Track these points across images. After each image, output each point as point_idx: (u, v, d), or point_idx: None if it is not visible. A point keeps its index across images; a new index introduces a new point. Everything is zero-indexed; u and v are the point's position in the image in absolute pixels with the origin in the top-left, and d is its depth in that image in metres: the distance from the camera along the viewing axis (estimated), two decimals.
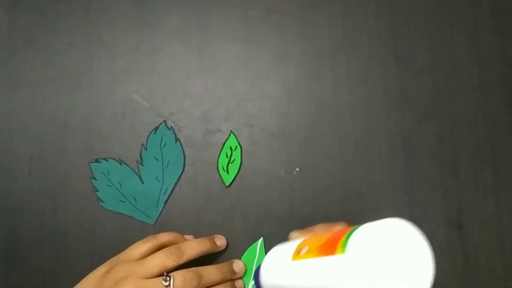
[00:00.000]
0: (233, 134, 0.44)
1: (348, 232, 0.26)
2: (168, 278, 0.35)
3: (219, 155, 0.44)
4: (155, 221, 0.43)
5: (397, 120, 0.44)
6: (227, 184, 0.43)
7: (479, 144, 0.43)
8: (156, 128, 0.44)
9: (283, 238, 0.39)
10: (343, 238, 0.26)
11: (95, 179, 0.44)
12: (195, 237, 0.42)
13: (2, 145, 0.45)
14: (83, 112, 0.45)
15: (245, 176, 0.43)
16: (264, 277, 0.35)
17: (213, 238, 0.41)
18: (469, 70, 0.44)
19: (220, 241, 0.42)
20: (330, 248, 0.27)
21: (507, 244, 0.42)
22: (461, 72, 0.44)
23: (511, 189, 0.43)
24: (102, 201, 0.43)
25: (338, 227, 0.32)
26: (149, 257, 0.37)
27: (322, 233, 0.32)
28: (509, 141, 0.43)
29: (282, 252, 0.34)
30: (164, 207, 0.43)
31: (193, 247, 0.38)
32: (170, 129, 0.44)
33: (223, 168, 0.43)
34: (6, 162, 0.45)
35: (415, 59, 0.45)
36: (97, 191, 0.44)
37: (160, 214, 0.43)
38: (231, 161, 0.43)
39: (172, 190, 0.43)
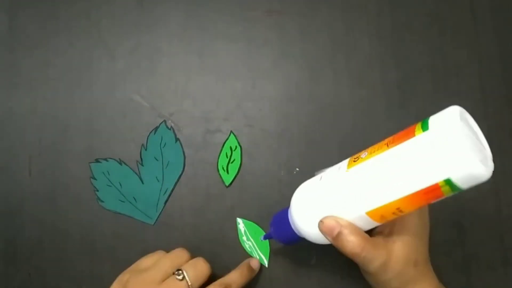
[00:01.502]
0: (233, 134, 0.44)
1: (421, 121, 0.27)
2: None
3: (219, 155, 0.44)
4: (155, 221, 0.43)
5: (397, 120, 0.44)
6: (227, 184, 0.43)
7: None
8: (156, 128, 0.44)
9: None
10: (419, 124, 0.27)
11: (95, 179, 0.44)
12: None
13: (2, 145, 0.45)
14: (83, 112, 0.45)
15: (245, 176, 0.43)
16: (301, 212, 0.33)
17: (249, 264, 0.41)
18: (469, 70, 0.44)
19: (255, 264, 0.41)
20: (405, 135, 0.27)
21: (507, 244, 0.42)
22: (461, 72, 0.44)
23: (511, 189, 0.43)
24: (102, 201, 0.43)
25: None
26: None
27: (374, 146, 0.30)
28: (509, 141, 0.43)
29: (321, 177, 0.32)
30: (164, 207, 0.43)
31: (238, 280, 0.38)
32: (170, 129, 0.44)
33: (223, 168, 0.43)
34: (6, 162, 0.45)
35: (415, 59, 0.45)
36: (97, 191, 0.44)
37: (160, 214, 0.43)
38: (231, 161, 0.43)
39: (172, 190, 0.43)
